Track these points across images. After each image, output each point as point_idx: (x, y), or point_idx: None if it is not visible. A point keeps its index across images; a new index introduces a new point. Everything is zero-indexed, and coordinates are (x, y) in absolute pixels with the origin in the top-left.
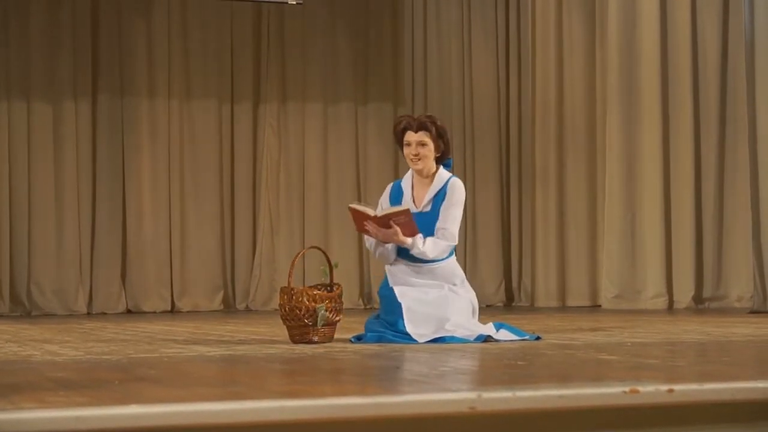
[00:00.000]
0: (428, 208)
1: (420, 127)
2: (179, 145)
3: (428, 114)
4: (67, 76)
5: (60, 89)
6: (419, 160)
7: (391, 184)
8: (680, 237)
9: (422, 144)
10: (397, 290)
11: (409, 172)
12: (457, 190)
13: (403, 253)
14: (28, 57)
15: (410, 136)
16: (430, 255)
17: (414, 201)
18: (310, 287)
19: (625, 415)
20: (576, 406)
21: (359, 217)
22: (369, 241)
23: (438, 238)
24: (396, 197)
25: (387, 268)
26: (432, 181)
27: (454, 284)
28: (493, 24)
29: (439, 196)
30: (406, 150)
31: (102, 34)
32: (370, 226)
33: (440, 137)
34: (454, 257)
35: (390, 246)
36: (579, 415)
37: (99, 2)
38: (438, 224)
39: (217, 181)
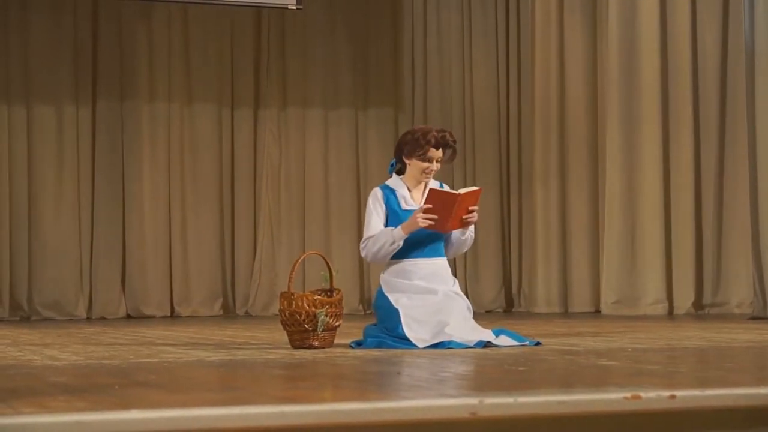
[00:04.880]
0: None
1: (444, 146)
2: (179, 150)
3: (451, 132)
4: (68, 80)
5: (60, 94)
6: (432, 174)
7: (380, 191)
8: (680, 243)
9: (439, 161)
10: (392, 298)
11: (395, 178)
12: None
13: (402, 255)
14: (28, 61)
15: (434, 153)
16: (470, 244)
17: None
18: (311, 292)
19: (626, 421)
20: (578, 411)
21: (439, 198)
22: (380, 242)
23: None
24: (394, 201)
25: (381, 277)
26: (425, 185)
27: (450, 286)
28: (494, 27)
29: None
30: (424, 163)
31: (102, 39)
32: (456, 212)
33: (449, 161)
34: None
35: (399, 240)
36: (581, 421)
37: (100, 7)
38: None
39: (217, 186)
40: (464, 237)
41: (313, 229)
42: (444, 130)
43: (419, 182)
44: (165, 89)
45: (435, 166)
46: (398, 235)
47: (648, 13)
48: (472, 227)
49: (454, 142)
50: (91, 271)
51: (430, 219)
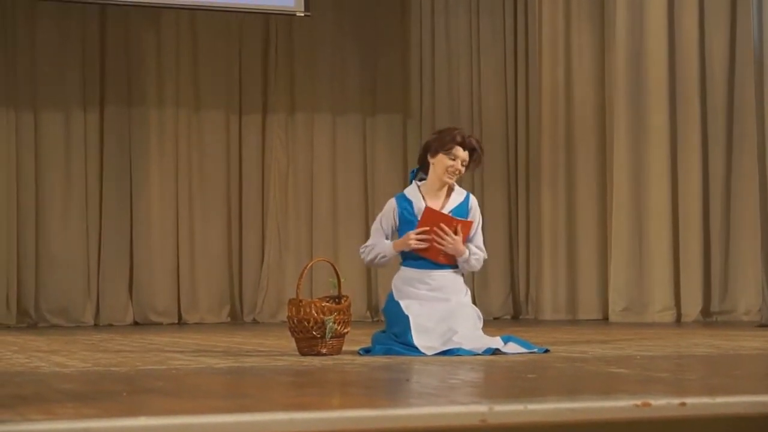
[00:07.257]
0: None
1: (470, 149)
2: (187, 156)
3: (478, 139)
4: (75, 86)
5: (68, 100)
6: (455, 175)
7: (395, 201)
8: (688, 250)
9: (464, 164)
10: (403, 304)
11: (413, 185)
12: (478, 210)
13: (415, 263)
14: (36, 67)
15: (459, 152)
16: (477, 267)
17: None
18: (319, 299)
19: (636, 428)
20: (587, 419)
21: (434, 220)
22: (374, 253)
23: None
24: (408, 209)
25: (393, 283)
26: (447, 193)
27: (461, 296)
28: (501, 33)
29: (462, 208)
30: (448, 161)
31: (110, 45)
32: (442, 230)
33: (473, 167)
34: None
35: (390, 255)
36: (590, 429)
37: (107, 13)
38: (473, 245)
39: (224, 192)
40: (465, 263)
41: (320, 236)
42: (471, 135)
43: (442, 185)
44: (173, 95)
45: (460, 166)
46: (389, 251)
47: (655, 16)
48: (479, 255)
49: (481, 148)
50: (98, 278)
51: (422, 241)
